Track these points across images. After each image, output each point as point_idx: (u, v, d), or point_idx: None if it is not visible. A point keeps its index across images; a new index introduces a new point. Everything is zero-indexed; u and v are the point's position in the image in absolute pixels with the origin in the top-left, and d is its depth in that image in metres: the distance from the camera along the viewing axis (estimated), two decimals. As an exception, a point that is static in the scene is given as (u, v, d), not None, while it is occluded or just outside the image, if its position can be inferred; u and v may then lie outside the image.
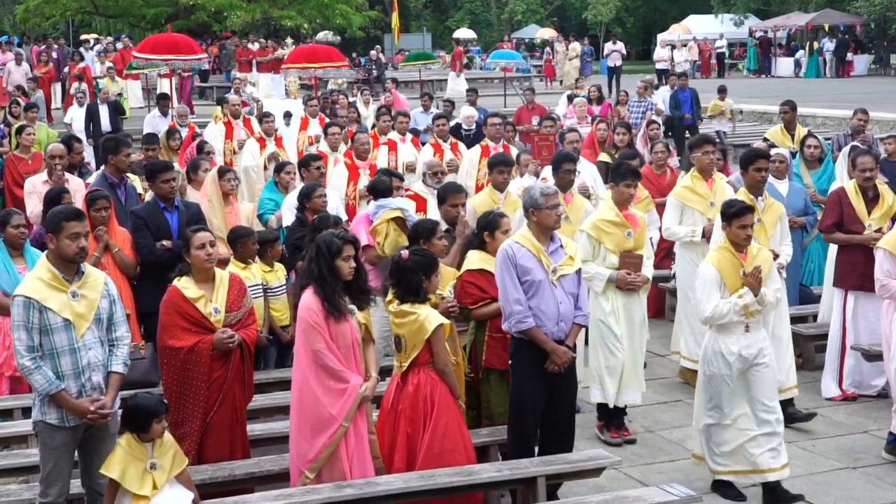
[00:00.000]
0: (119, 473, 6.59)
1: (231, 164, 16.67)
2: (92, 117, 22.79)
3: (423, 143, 16.51)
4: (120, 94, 27.08)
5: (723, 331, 8.25)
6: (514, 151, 14.00)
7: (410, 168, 15.16)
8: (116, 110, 23.61)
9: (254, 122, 18.45)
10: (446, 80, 40.75)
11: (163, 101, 21.56)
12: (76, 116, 23.27)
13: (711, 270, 8.27)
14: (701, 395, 8.39)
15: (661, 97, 24.64)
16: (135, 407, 6.74)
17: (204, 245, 7.75)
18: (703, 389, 8.36)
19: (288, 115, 20.25)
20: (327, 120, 18.58)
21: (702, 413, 8.39)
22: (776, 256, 9.41)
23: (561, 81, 39.27)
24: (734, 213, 8.27)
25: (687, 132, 23.39)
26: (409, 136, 16.81)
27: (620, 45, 40.41)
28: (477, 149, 14.56)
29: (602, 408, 9.60)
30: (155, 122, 20.10)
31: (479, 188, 13.43)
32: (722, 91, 25.91)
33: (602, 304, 9.39)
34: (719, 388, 8.23)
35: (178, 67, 25.73)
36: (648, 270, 9.57)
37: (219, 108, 22.53)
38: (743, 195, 9.66)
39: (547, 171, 11.53)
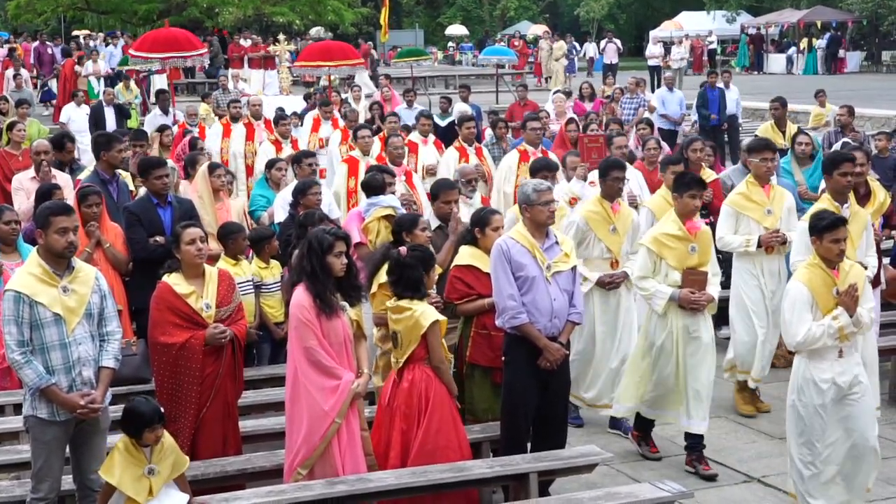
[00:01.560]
0: (116, 478, 6.56)
1: (252, 168, 16.51)
2: (97, 119, 21.89)
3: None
4: (130, 104, 25.46)
5: (815, 356, 7.52)
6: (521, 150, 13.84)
7: (430, 171, 14.61)
8: (122, 113, 22.98)
9: (312, 134, 17.86)
10: (438, 76, 40.85)
11: (162, 98, 20.88)
12: (74, 116, 22.60)
13: (802, 290, 7.49)
14: (792, 429, 7.65)
15: (677, 98, 23.36)
16: (130, 411, 6.70)
17: (194, 241, 7.75)
18: (794, 422, 7.63)
19: (296, 116, 20.13)
20: (341, 121, 18.15)
21: (794, 451, 7.65)
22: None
23: (548, 79, 39.06)
24: (826, 227, 7.53)
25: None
26: (431, 137, 16.05)
27: (617, 43, 40.38)
28: (515, 154, 13.78)
29: (640, 419, 9.19)
30: (156, 122, 19.25)
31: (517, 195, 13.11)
32: (820, 94, 22.41)
33: (659, 325, 8.81)
34: (811, 421, 7.51)
35: (179, 65, 25.21)
36: (714, 289, 8.86)
37: (203, 104, 22.49)
38: (827, 203, 9.16)
39: (596, 174, 10.96)
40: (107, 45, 38.39)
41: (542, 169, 10.48)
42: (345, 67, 23.39)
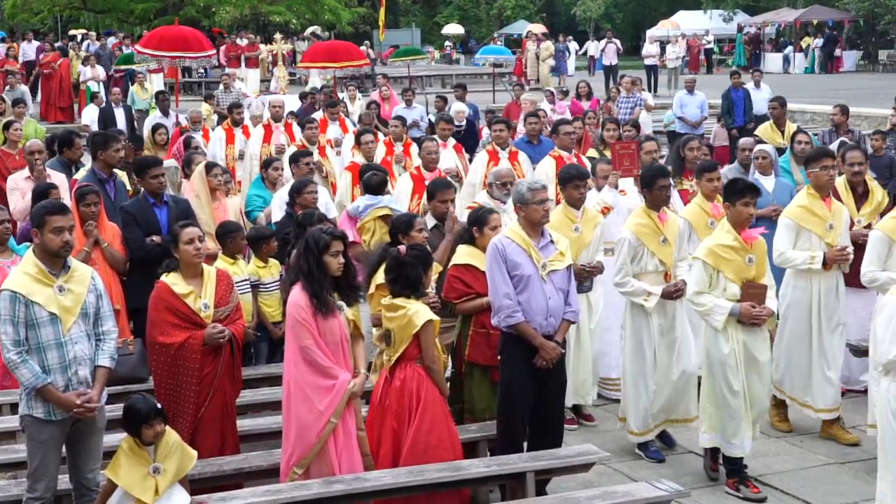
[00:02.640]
0: (122, 479, 6.55)
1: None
2: (106, 120, 21.66)
3: (415, 140, 16.09)
4: (149, 108, 24.27)
5: None
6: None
7: (450, 176, 13.73)
8: (132, 113, 22.76)
9: (295, 127, 17.26)
10: (435, 76, 40.74)
11: (162, 99, 20.28)
12: (95, 117, 22.30)
13: None
14: (888, 459, 7.15)
15: (697, 101, 22.31)
16: (127, 408, 6.70)
17: (192, 240, 7.75)
18: (888, 452, 7.13)
19: (293, 115, 19.98)
20: (349, 124, 17.81)
21: (887, 483, 7.19)
22: None
23: (537, 80, 38.65)
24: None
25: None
26: (451, 140, 15.23)
27: (617, 43, 40.28)
28: (550, 160, 12.93)
29: (724, 457, 8.59)
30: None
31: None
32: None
33: (720, 342, 8.31)
34: None
35: (187, 65, 24.64)
36: (773, 302, 8.48)
37: (206, 105, 22.42)
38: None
39: (627, 182, 10.80)
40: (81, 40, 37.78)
41: (574, 178, 9.69)
42: (350, 68, 22.77)
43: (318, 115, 18.50)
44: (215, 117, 23.55)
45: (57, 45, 37.22)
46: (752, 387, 8.39)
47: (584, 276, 9.40)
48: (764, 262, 8.45)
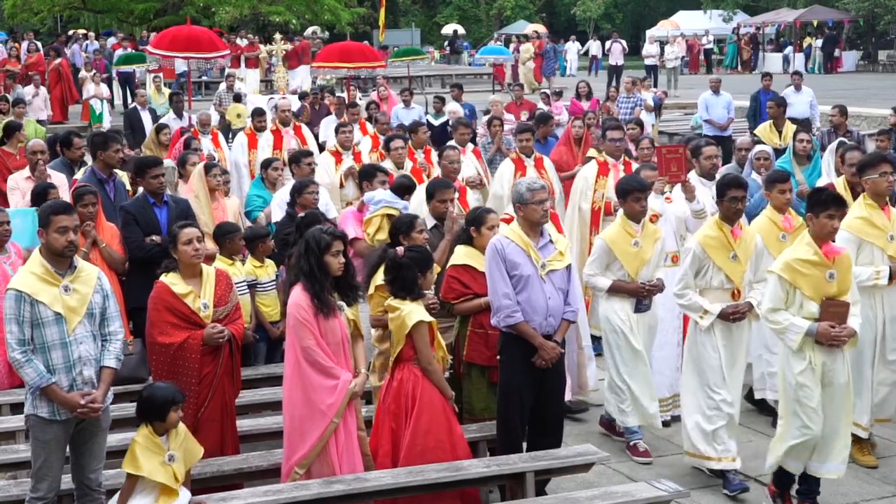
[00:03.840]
0: (145, 469, 6.71)
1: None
2: (132, 123, 21.16)
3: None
4: (167, 112, 22.69)
5: None
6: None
7: (471, 184, 13.31)
8: (158, 116, 21.83)
9: (305, 129, 16.78)
10: (434, 76, 40.70)
11: (177, 100, 19.66)
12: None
13: None
14: None
15: (723, 102, 21.48)
16: (151, 396, 6.86)
17: (191, 241, 7.77)
18: None
19: (294, 115, 19.82)
20: (370, 127, 17.20)
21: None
22: None
23: (509, 85, 37.85)
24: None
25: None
26: (469, 146, 14.52)
27: (622, 43, 40.22)
28: (593, 165, 12.15)
29: (780, 472, 8.17)
30: (171, 127, 17.62)
31: (595, 213, 11.77)
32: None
33: (795, 363, 7.77)
34: None
35: (201, 67, 24.30)
36: (855, 321, 7.82)
37: (213, 107, 22.27)
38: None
39: (675, 191, 10.22)
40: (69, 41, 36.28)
41: (635, 190, 9.01)
42: (364, 70, 22.52)
43: (332, 118, 17.93)
44: (217, 116, 23.55)
45: (53, 44, 37.21)
46: (829, 412, 7.83)
47: (645, 295, 9.01)
48: (847, 279, 7.86)
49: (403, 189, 10.42)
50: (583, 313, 9.89)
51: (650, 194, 9.64)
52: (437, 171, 13.36)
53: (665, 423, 9.45)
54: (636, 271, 8.98)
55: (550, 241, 8.08)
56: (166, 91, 24.83)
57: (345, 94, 22.81)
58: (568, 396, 9.44)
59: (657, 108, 23.57)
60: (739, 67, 51.54)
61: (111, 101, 29.32)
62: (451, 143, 14.09)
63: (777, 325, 7.80)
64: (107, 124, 24.81)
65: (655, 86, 37.31)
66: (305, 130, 16.64)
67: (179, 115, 19.08)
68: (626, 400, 9.03)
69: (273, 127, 16.18)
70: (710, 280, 8.52)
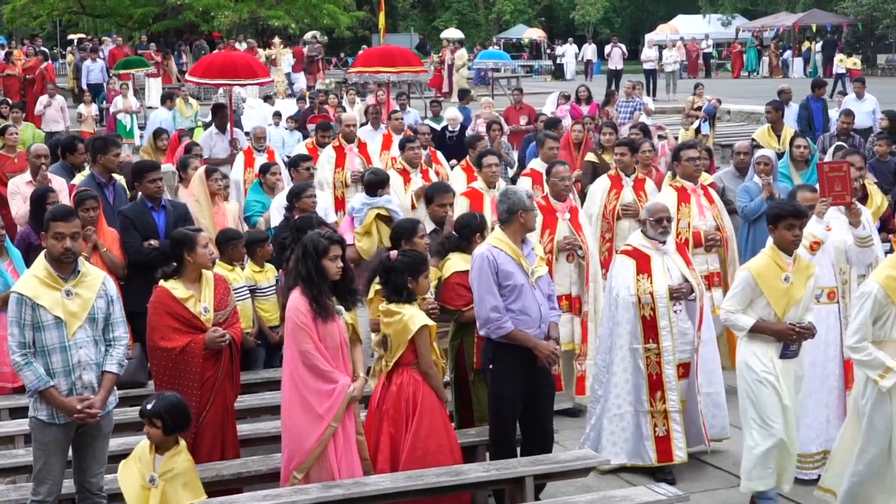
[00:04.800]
0: (124, 486, 6.76)
1: (343, 200, 13.53)
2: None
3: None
4: (194, 126, 21.65)
5: None
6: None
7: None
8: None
9: (371, 147, 14.87)
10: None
11: (221, 115, 16.84)
12: (217, 144, 18.07)
13: None
14: None
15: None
16: (178, 405, 6.87)
17: (206, 244, 7.86)
18: None
19: (294, 120, 19.57)
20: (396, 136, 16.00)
21: None
22: None
23: (448, 93, 36.58)
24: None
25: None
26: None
27: (622, 47, 40.20)
28: (671, 192, 10.69)
29: None
30: (212, 143, 16.30)
31: (681, 246, 9.57)
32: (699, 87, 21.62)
33: (889, 403, 7.16)
34: None
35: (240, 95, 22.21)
36: None
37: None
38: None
39: (830, 214, 8.88)
40: (81, 58, 34.52)
41: (789, 216, 7.85)
42: (407, 74, 21.16)
43: (382, 128, 16.66)
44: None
45: (39, 49, 37.21)
46: None
47: (794, 339, 7.85)
48: None
49: (376, 185, 10.36)
50: (714, 355, 9.30)
51: (809, 220, 8.45)
52: (442, 172, 13.50)
53: (809, 482, 8.42)
54: (784, 311, 7.80)
55: (532, 248, 8.08)
56: (194, 103, 22.98)
57: (344, 99, 22.73)
58: (701, 447, 8.99)
59: (711, 118, 22.70)
60: (769, 73, 51.01)
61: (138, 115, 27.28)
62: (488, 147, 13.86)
63: (867, 356, 7.22)
64: (138, 141, 23.84)
65: (654, 90, 37.39)
66: (371, 148, 14.86)
67: (223, 130, 16.52)
68: (763, 462, 7.85)
69: (336, 143, 14.40)
70: (890, 330, 7.30)
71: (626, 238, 9.52)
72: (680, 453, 8.66)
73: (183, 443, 6.98)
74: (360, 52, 33.03)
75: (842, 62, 41.00)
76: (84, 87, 30.20)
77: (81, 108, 25.70)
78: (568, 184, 10.21)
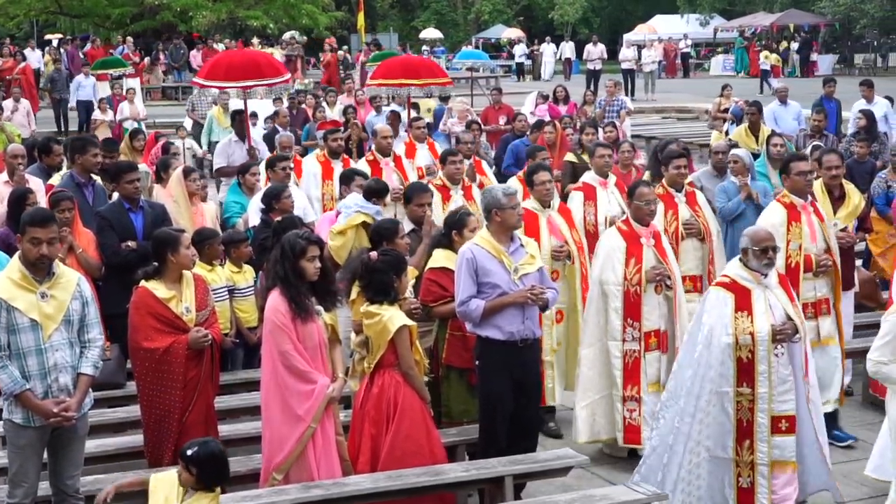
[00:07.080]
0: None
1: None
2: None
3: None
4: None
5: None
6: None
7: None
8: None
9: (406, 161, 13.85)
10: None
11: (239, 120, 15.80)
12: (237, 152, 15.68)
13: None
14: None
15: (793, 112, 19.41)
16: (218, 458, 6.46)
17: (189, 245, 7.87)
18: None
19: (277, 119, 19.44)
20: (439, 146, 15.45)
21: None
22: None
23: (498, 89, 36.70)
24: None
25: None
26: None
27: (601, 48, 40.24)
28: (781, 211, 9.46)
29: None
30: (231, 150, 15.34)
31: (793, 270, 9.16)
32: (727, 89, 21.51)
33: None
34: None
35: (263, 94, 21.84)
36: None
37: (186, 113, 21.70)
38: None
39: None
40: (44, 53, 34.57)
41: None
42: (433, 86, 19.54)
43: (402, 136, 15.88)
44: (190, 122, 23.34)
45: (20, 49, 37.06)
46: None
47: None
48: None
49: (373, 193, 10.35)
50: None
51: None
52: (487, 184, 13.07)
53: None
54: None
55: (521, 245, 8.10)
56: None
57: (323, 100, 22.58)
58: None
59: (738, 120, 21.20)
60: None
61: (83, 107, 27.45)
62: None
63: None
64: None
65: (632, 90, 37.45)
66: (406, 162, 13.92)
67: (243, 138, 15.38)
68: None
69: (370, 157, 13.45)
70: None
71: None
72: None
73: (219, 491, 6.54)
74: (358, 52, 33.22)
75: (767, 58, 41.12)
76: (73, 104, 28.95)
77: (97, 113, 25.09)
78: (653, 208, 9.10)
